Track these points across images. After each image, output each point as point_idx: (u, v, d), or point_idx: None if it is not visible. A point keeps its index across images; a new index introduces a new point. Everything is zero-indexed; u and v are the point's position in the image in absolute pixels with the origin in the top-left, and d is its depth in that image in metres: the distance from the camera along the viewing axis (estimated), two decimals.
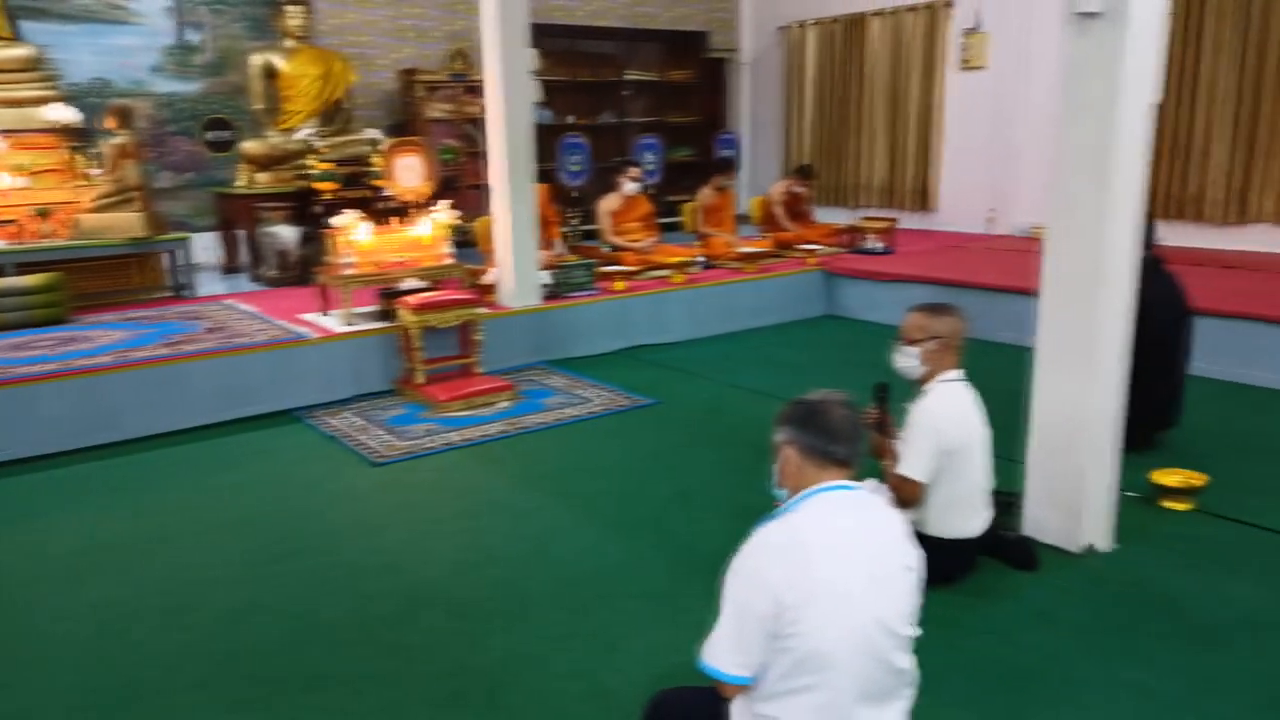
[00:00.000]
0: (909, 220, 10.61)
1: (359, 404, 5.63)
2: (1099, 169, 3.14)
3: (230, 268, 8.48)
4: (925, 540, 3.17)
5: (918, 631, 2.06)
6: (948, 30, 10.00)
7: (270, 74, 8.32)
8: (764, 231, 8.89)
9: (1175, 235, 8.38)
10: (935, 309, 3.21)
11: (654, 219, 8.15)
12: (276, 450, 4.87)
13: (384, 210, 7.47)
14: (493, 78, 6.18)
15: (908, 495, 3.10)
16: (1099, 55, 3.09)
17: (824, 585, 1.91)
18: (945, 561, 3.16)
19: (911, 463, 3.07)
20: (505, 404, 5.55)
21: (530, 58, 6.33)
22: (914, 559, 2.09)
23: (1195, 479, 3.86)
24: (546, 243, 7.54)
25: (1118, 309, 3.30)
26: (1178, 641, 2.88)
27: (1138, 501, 3.89)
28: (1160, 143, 8.34)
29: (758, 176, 12.22)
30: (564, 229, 8.04)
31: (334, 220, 5.95)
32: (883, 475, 3.21)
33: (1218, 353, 5.64)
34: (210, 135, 8.73)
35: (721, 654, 1.95)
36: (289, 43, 8.36)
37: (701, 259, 7.96)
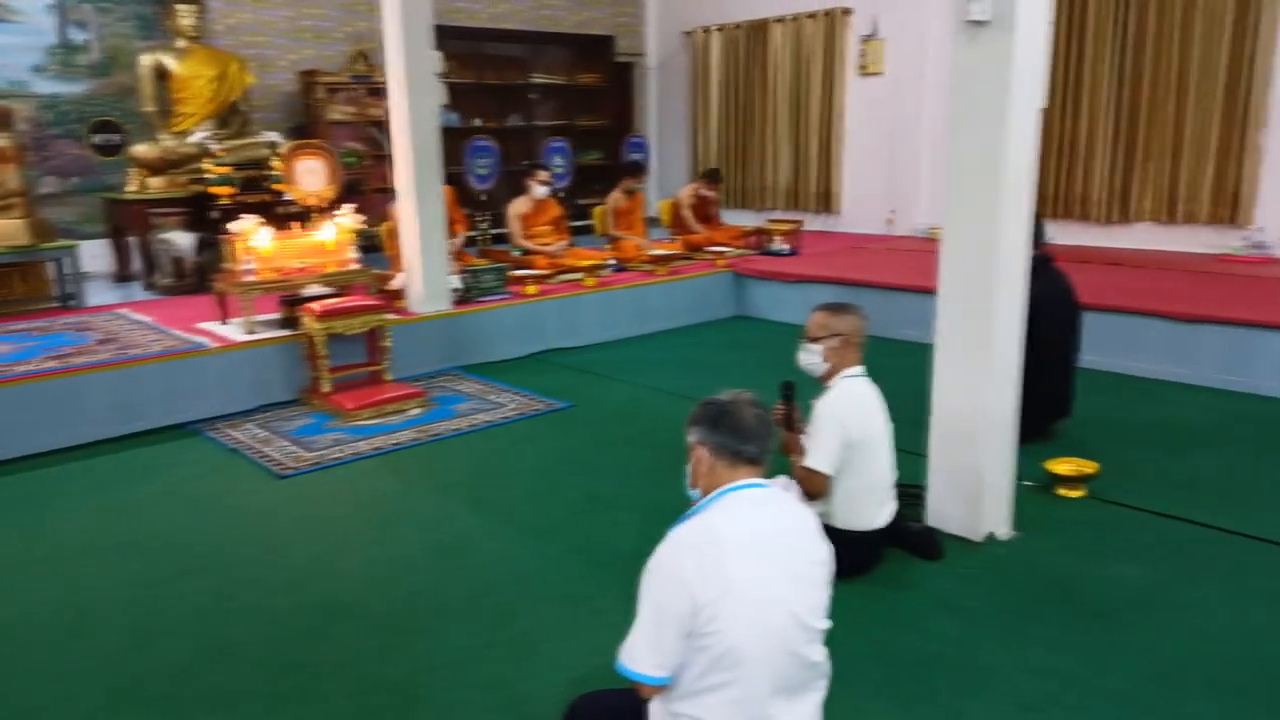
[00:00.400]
0: (813, 222, 10.84)
1: (262, 415, 5.47)
2: (990, 172, 3.26)
3: (123, 276, 8.14)
4: (834, 534, 3.24)
5: (829, 624, 2.10)
6: (846, 37, 10.25)
7: (162, 75, 8.02)
8: (673, 234, 8.96)
9: (1063, 234, 8.77)
10: (836, 308, 3.29)
11: (564, 222, 8.14)
12: (174, 465, 4.69)
13: (286, 215, 7.30)
14: (397, 80, 6.08)
15: (814, 488, 3.16)
16: (988, 62, 3.21)
17: (739, 582, 1.94)
18: (854, 554, 3.25)
19: (817, 456, 3.14)
20: (416, 411, 5.46)
21: (435, 60, 6.25)
22: (824, 553, 2.13)
23: (1087, 467, 4.04)
24: (453, 247, 7.46)
25: (1011, 305, 3.43)
26: (1075, 622, 3.01)
27: (1035, 490, 4.05)
28: (1047, 146, 8.72)
29: (666, 180, 12.32)
30: (473, 233, 7.95)
31: (232, 226, 5.76)
32: (791, 471, 3.27)
33: (1104, 345, 5.92)
34: (98, 138, 8.36)
35: (639, 655, 1.96)
36: (181, 43, 8.07)
37: (613, 262, 7.98)
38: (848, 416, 3.14)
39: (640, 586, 1.98)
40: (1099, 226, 8.60)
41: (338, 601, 3.29)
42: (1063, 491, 4.01)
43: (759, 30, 11.03)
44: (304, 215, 6.20)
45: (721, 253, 8.26)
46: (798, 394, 3.39)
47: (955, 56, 3.32)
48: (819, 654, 2.09)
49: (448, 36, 10.15)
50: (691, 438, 2.17)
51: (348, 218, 6.07)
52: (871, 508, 3.26)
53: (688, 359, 6.65)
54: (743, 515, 2.05)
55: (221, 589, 3.39)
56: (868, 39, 10.08)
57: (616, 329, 7.29)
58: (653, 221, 9.77)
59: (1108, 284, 6.59)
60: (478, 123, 10.42)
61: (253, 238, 5.72)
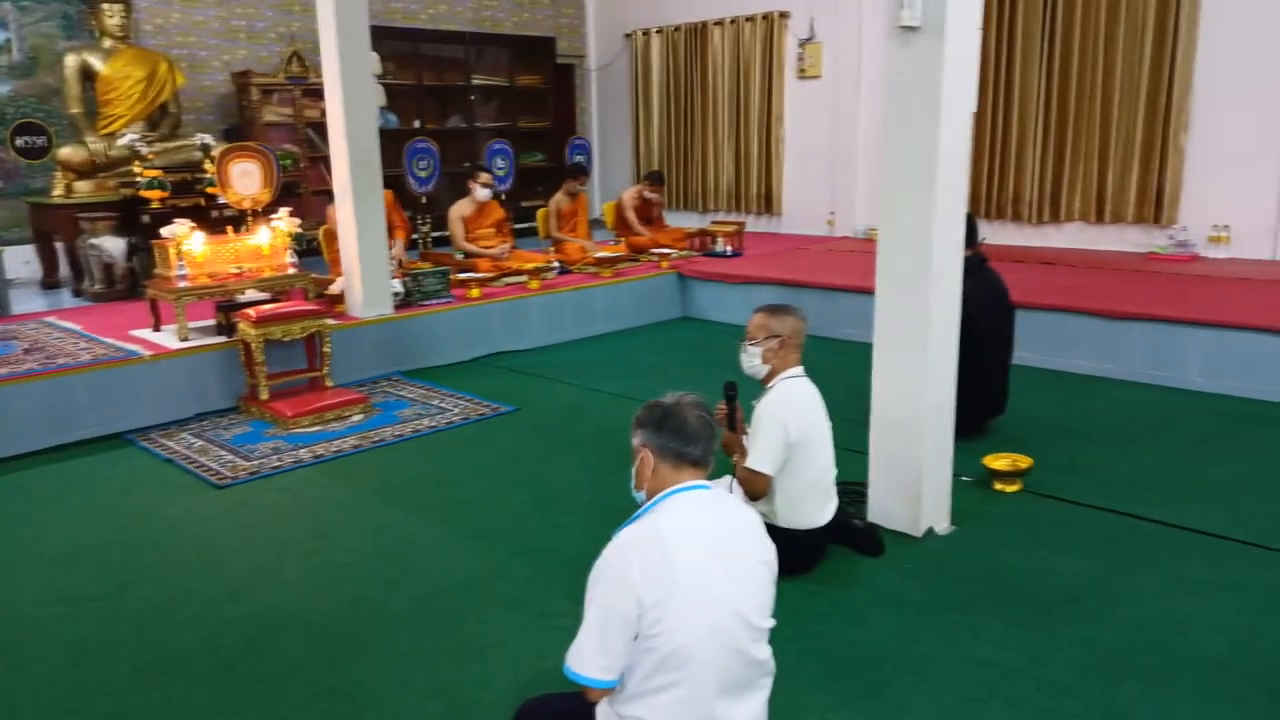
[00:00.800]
0: (755, 224, 10.95)
1: (199, 424, 5.35)
2: (924, 174, 3.33)
3: (50, 283, 7.90)
4: (777, 533, 3.28)
5: (773, 622, 2.13)
6: (784, 40, 10.36)
7: (88, 76, 7.80)
8: (617, 236, 8.97)
9: (996, 234, 8.99)
10: (776, 309, 3.33)
11: (507, 225, 8.10)
12: (109, 477, 4.56)
13: (221, 219, 7.15)
14: (333, 82, 5.99)
15: (756, 488, 3.20)
16: (919, 67, 3.28)
17: (684, 583, 1.95)
18: (798, 552, 3.29)
19: (758, 457, 3.17)
20: (359, 417, 5.39)
21: (372, 61, 6.17)
22: (768, 553, 2.16)
23: (1022, 462, 4.14)
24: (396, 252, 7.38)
25: (946, 303, 3.51)
26: (1014, 615, 3.08)
27: (973, 485, 4.14)
28: (980, 148, 8.92)
29: (610, 182, 12.34)
30: (415, 236, 7.87)
31: (164, 230, 5.63)
32: (734, 471, 3.30)
33: (1038, 343, 6.07)
34: (20, 141, 8.08)
35: (587, 659, 1.96)
36: (108, 43, 7.86)
37: (557, 264, 7.97)
38: (788, 417, 3.18)
39: (587, 589, 1.98)
40: (1031, 227, 8.82)
41: (282, 611, 3.23)
42: (999, 486, 4.10)
43: (699, 33, 11.10)
44: (239, 219, 6.08)
45: (665, 254, 8.29)
46: (740, 395, 3.42)
47: (889, 62, 3.38)
48: (764, 652, 2.12)
49: (386, 37, 10.06)
50: (636, 440, 2.18)
51: (283, 221, 5.97)
52: (813, 507, 3.30)
53: (633, 361, 6.66)
54: (687, 516, 2.06)
55: (164, 601, 3.31)
56: (805, 42, 10.21)
57: (562, 331, 7.28)
58: (597, 224, 9.78)
59: (1041, 283, 6.77)
60: (418, 125, 10.31)
61: (185, 243, 5.60)
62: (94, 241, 7.07)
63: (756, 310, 3.38)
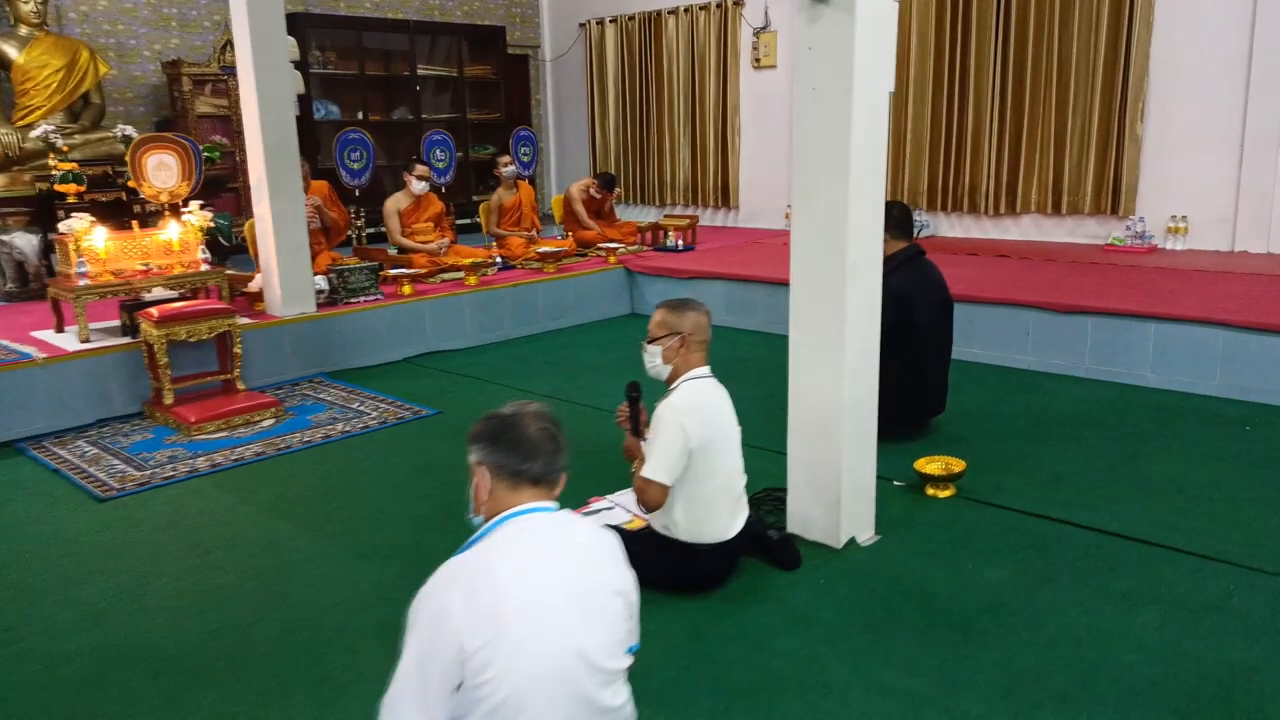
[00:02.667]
0: (713, 218, 10.71)
1: (99, 430, 5.04)
2: (837, 156, 3.08)
3: None
4: (678, 548, 3.05)
5: (627, 661, 1.88)
6: (739, 29, 10.11)
7: (3, 65, 7.43)
8: (565, 230, 8.70)
9: (953, 227, 8.80)
10: (677, 305, 3.08)
11: (446, 219, 7.81)
12: None
13: (144, 214, 6.83)
14: (245, 67, 5.68)
15: (651, 498, 2.94)
16: (830, 42, 3.02)
17: (516, 622, 1.70)
18: (700, 568, 3.05)
19: (653, 464, 2.91)
20: (269, 423, 5.10)
21: (289, 46, 5.87)
22: (625, 582, 1.91)
23: (955, 465, 3.91)
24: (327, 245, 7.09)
25: (864, 297, 3.26)
26: (930, 634, 2.84)
27: (905, 490, 3.91)
28: (936, 139, 8.71)
29: (566, 175, 12.06)
30: (349, 231, 7.56)
31: (61, 226, 5.31)
32: (632, 480, 3.04)
33: (985, 338, 5.87)
34: None
35: (404, 709, 1.70)
36: (24, 30, 7.50)
37: (499, 260, 7.70)
38: (689, 421, 2.92)
39: (406, 625, 1.72)
40: (989, 219, 8.62)
41: (135, 641, 2.94)
42: (931, 491, 3.87)
43: (653, 22, 10.83)
44: (146, 214, 5.77)
45: (613, 249, 8.02)
46: (644, 395, 3.17)
47: (799, 37, 3.13)
48: (617, 697, 1.86)
49: (328, 26, 9.76)
50: (471, 457, 1.92)
51: (194, 215, 5.66)
52: (718, 518, 3.05)
53: (572, 360, 6.40)
54: (524, 544, 1.81)
55: (4, 630, 3.01)
56: (760, 31, 9.96)
57: (500, 330, 7.00)
58: (548, 219, 9.50)
59: (991, 276, 6.56)
60: (361, 116, 9.98)
61: (86, 238, 5.28)
62: (4, 238, 6.73)
63: (658, 306, 3.12)
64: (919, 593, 3.09)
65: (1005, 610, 2.96)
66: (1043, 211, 8.25)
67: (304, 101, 9.45)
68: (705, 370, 3.08)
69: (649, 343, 3.06)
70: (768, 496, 3.78)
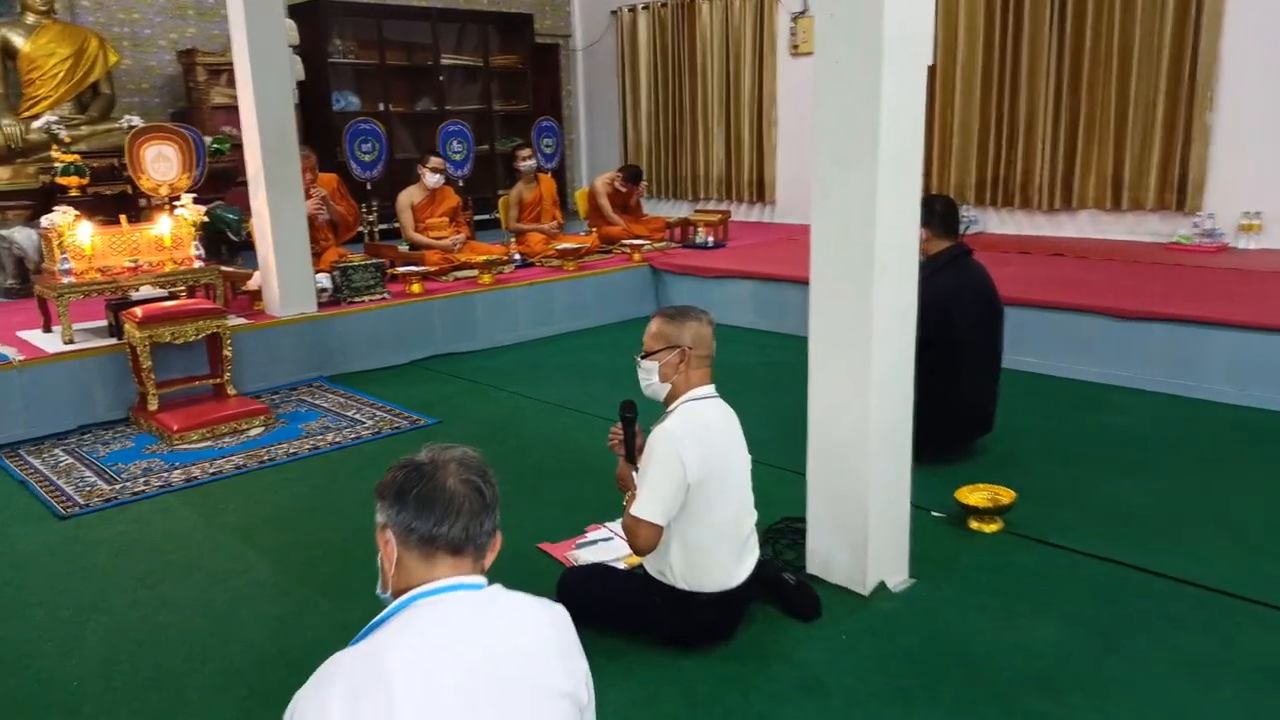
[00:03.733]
0: (748, 213, 10.25)
1: (80, 437, 4.74)
2: (863, 142, 2.62)
3: None
4: (676, 596, 2.62)
5: None
6: (777, 15, 9.62)
7: (9, 54, 7.21)
8: (590, 226, 8.30)
9: (1004, 223, 8.25)
10: (676, 314, 2.64)
11: (462, 214, 7.44)
12: None
13: (151, 207, 6.55)
14: (241, 51, 5.35)
15: (640, 540, 2.52)
16: (856, 7, 2.57)
17: None
18: (702, 621, 2.62)
19: (645, 501, 2.49)
20: (257, 431, 4.76)
21: (288, 30, 5.53)
22: (574, 680, 1.49)
23: (1003, 495, 3.43)
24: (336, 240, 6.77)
25: (896, 304, 2.80)
26: (965, 709, 2.38)
27: (946, 523, 3.45)
28: (985, 130, 8.17)
29: (597, 168, 11.63)
30: (360, 226, 7.23)
31: (44, 220, 5.02)
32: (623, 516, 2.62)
33: (1040, 346, 5.36)
34: None
35: None
36: (31, 18, 7.26)
37: (517, 257, 7.32)
38: (687, 451, 2.48)
39: None
40: (1042, 215, 8.04)
41: (54, 692, 2.59)
42: (975, 526, 3.39)
43: (687, 9, 10.37)
44: (137, 207, 5.47)
45: (638, 246, 7.59)
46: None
47: (818, 7, 2.68)
48: None
49: (348, 14, 9.44)
50: (379, 517, 1.52)
51: (187, 209, 5.34)
52: (721, 564, 2.61)
53: (588, 364, 5.99)
54: (428, 635, 1.39)
55: None
56: (799, 16, 9.45)
57: (515, 331, 6.61)
58: (573, 214, 9.11)
59: (1045, 277, 6.03)
60: (383, 108, 9.66)
61: (70, 233, 4.98)
62: (4, 233, 6.49)
63: (654, 315, 2.70)
64: (959, 654, 2.63)
65: (1061, 681, 2.48)
66: (1101, 207, 7.65)
67: (323, 92, 9.16)
68: (709, 389, 2.65)
69: (643, 357, 2.63)
70: (787, 527, 3.34)
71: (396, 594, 1.47)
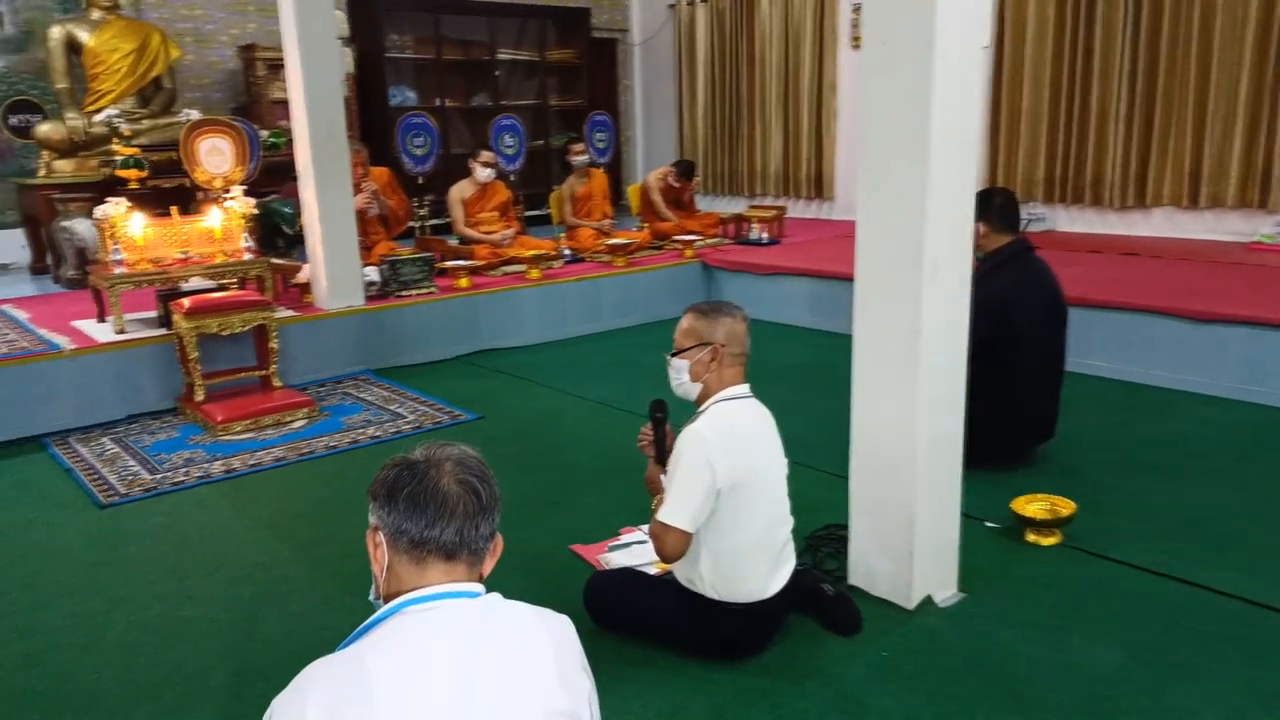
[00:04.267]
0: (805, 209, 10.03)
1: (128, 427, 4.79)
2: (913, 129, 2.47)
3: (39, 267, 7.52)
4: (707, 605, 2.50)
5: None
6: (837, 6, 9.38)
7: (75, 49, 7.36)
8: (642, 221, 8.18)
9: (1072, 221, 7.92)
10: (709, 310, 2.51)
11: (513, 208, 7.38)
12: None
13: (208, 201, 6.63)
14: (290, 42, 5.36)
15: (667, 548, 2.39)
16: None
17: None
18: (726, 632, 2.48)
19: (672, 506, 2.36)
20: (300, 424, 4.75)
21: (338, 21, 5.51)
22: (573, 698, 1.38)
23: (1063, 506, 3.23)
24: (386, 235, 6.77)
25: (948, 304, 2.63)
26: None
27: (1000, 535, 3.26)
28: (1055, 123, 7.86)
29: (653, 163, 11.51)
30: (411, 220, 7.22)
31: (97, 211, 5.08)
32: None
33: (1108, 349, 5.10)
34: (15, 120, 7.71)
35: None
36: (96, 14, 7.40)
37: (568, 252, 7.24)
38: (717, 455, 2.36)
39: None
40: (1114, 213, 7.68)
41: (74, 683, 2.57)
42: (1032, 538, 3.20)
43: (746, 2, 10.18)
44: (188, 199, 5.52)
45: (689, 242, 7.45)
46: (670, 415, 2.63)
47: None
48: None
49: (405, 9, 9.46)
50: (370, 518, 1.43)
51: (237, 201, 5.37)
52: (754, 574, 2.47)
53: (634, 362, 5.87)
54: (414, 646, 1.30)
55: None
56: (860, 7, 9.19)
57: (563, 327, 6.53)
58: (624, 209, 9.01)
59: (1116, 276, 5.75)
60: (439, 103, 9.67)
61: (122, 224, 5.03)
62: (65, 224, 6.61)
63: (686, 311, 2.57)
64: (1008, 676, 2.46)
65: (1117, 709, 2.30)
66: (1177, 204, 7.28)
67: (379, 87, 9.20)
68: (743, 389, 2.52)
69: (674, 355, 2.51)
70: (830, 535, 3.19)
71: (387, 600, 1.38)
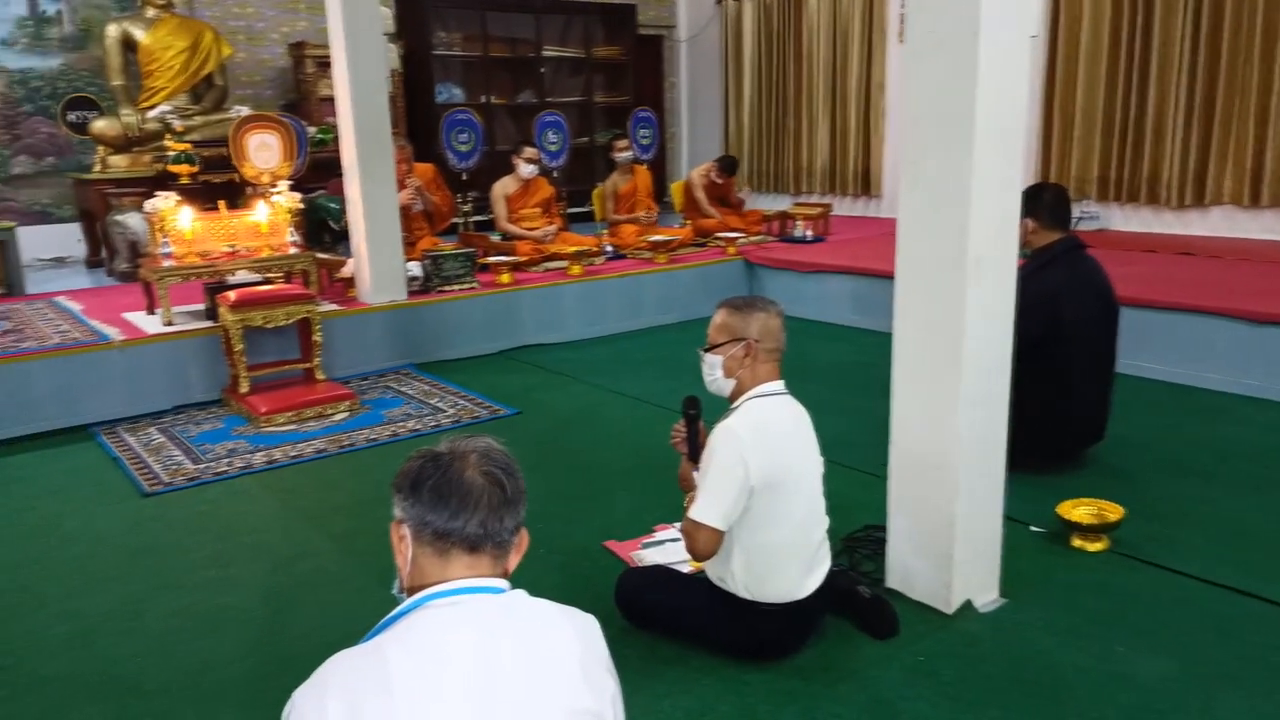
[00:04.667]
0: (851, 207, 9.92)
1: (174, 417, 4.87)
2: (957, 120, 2.40)
3: (94, 261, 7.70)
4: (739, 605, 2.46)
5: None
6: (887, 2, 9.25)
7: (130, 47, 7.51)
8: (686, 218, 8.14)
9: (1127, 220, 7.73)
10: (743, 305, 2.47)
11: (555, 204, 7.39)
12: (37, 477, 4.09)
13: (257, 195, 6.73)
14: (337, 39, 5.41)
15: (698, 546, 2.36)
16: None
17: None
18: (759, 632, 2.45)
19: (704, 504, 2.33)
20: (342, 416, 4.80)
21: (385, 17, 5.55)
22: (597, 698, 1.35)
23: (1111, 511, 3.13)
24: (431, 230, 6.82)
25: (992, 302, 2.56)
26: None
27: (1045, 539, 3.18)
28: (1110, 119, 7.66)
29: (698, 160, 11.43)
30: (454, 216, 7.26)
31: (147, 204, 5.18)
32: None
33: (1159, 349, 4.96)
34: (73, 116, 7.90)
35: None
36: (151, 12, 7.55)
37: (610, 249, 7.23)
38: (750, 452, 2.32)
39: None
40: (1171, 212, 7.48)
41: (114, 669, 2.60)
42: (1078, 543, 3.11)
43: None
44: (237, 193, 5.60)
45: (732, 239, 7.40)
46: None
47: None
48: None
49: (453, 6, 9.52)
50: (395, 510, 1.42)
51: (283, 196, 5.43)
52: (787, 574, 2.43)
53: (675, 359, 5.83)
54: (441, 641, 1.28)
55: None
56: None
57: (603, 323, 6.52)
58: (667, 206, 8.98)
59: (1172, 277, 5.59)
60: (484, 99, 9.72)
61: (171, 218, 5.12)
62: (118, 218, 6.76)
63: (719, 306, 2.54)
64: (1048, 684, 2.39)
65: (1164, 718, 2.23)
66: (1238, 203, 7.06)
67: (426, 84, 9.27)
68: (778, 385, 2.47)
69: (707, 350, 2.47)
70: (869, 536, 3.13)
71: (410, 593, 1.37)
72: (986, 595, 2.79)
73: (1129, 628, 2.63)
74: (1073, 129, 7.88)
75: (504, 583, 1.38)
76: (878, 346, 6.15)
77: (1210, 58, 7.00)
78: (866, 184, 9.77)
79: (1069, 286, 3.61)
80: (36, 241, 7.78)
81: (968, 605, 2.74)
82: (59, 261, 7.98)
